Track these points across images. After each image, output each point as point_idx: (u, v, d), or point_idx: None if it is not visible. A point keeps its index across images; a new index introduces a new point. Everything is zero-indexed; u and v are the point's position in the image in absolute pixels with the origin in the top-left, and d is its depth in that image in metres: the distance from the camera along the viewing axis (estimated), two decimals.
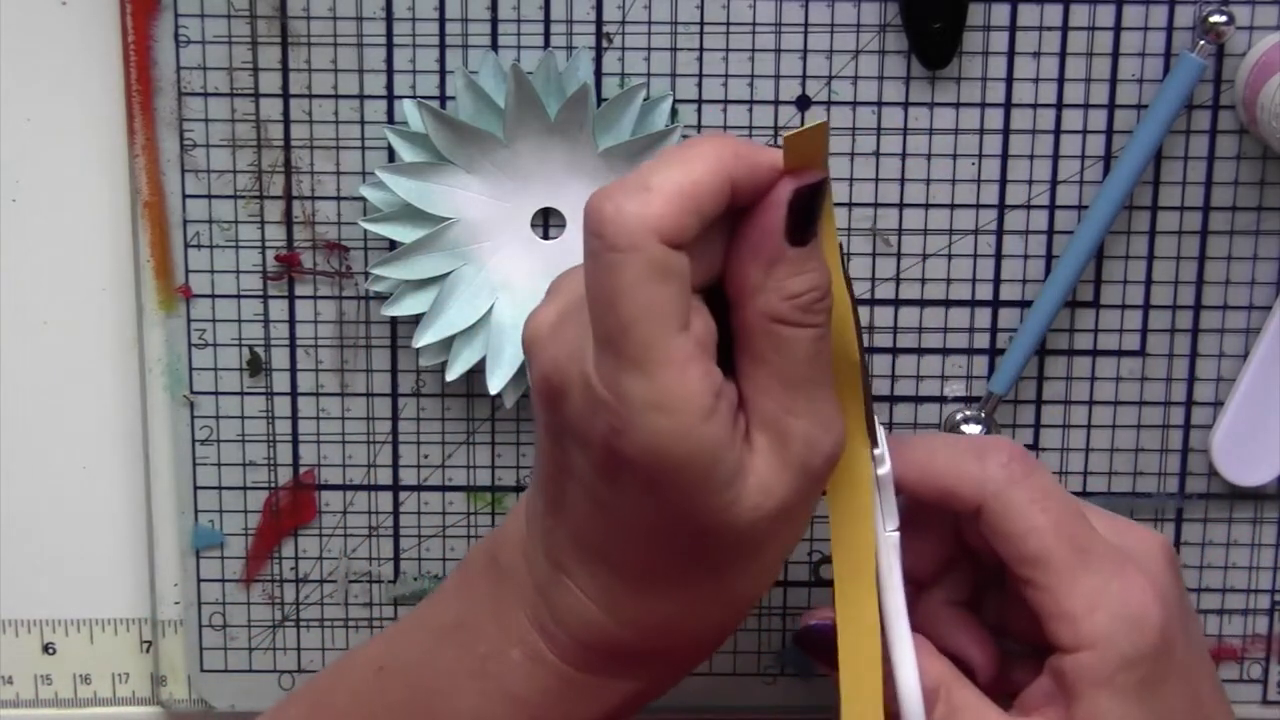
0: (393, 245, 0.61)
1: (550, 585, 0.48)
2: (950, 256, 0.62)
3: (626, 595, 0.47)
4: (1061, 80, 0.61)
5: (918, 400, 0.63)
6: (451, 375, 0.61)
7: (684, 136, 0.60)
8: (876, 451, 0.49)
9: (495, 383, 0.61)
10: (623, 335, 0.42)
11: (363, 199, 0.61)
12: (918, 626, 0.51)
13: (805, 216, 0.44)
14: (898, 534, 0.49)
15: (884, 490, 0.49)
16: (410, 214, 0.60)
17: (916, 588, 0.53)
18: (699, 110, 0.61)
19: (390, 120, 0.61)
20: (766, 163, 0.44)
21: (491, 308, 0.61)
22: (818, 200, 0.44)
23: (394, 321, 0.63)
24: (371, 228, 0.60)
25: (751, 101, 0.61)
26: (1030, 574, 0.49)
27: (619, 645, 0.48)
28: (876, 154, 0.61)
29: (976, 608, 0.54)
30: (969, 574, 0.53)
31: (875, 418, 0.49)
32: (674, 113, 0.60)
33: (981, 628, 0.53)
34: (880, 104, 0.61)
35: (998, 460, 0.49)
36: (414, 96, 0.60)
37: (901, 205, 0.62)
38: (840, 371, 0.47)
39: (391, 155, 0.61)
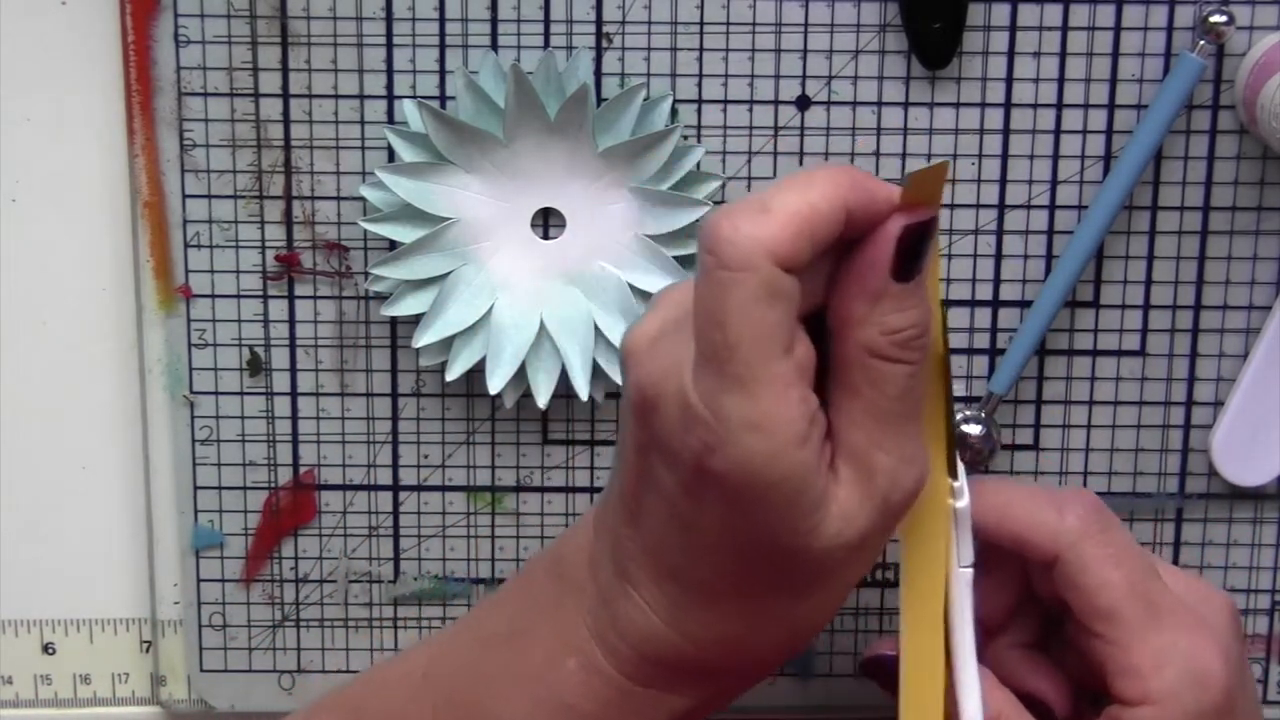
0: (393, 245, 0.61)
1: (615, 596, 0.48)
2: (950, 256, 0.62)
3: (693, 611, 0.47)
4: (1061, 80, 0.61)
5: None
6: (451, 375, 0.61)
7: (684, 137, 0.60)
8: (956, 484, 0.49)
9: (495, 383, 0.61)
10: (728, 354, 0.42)
11: (363, 199, 0.61)
12: (988, 668, 0.52)
13: (913, 253, 0.44)
14: (971, 570, 0.49)
15: (960, 525, 0.50)
16: (410, 214, 0.60)
17: (987, 632, 0.53)
18: (699, 110, 0.61)
19: (390, 120, 0.61)
20: (883, 196, 0.44)
21: (491, 308, 0.61)
22: (927, 238, 0.45)
23: (394, 321, 0.63)
24: (371, 228, 0.60)
25: (751, 101, 0.61)
26: (1100, 628, 0.49)
27: (679, 660, 0.48)
28: (876, 154, 0.61)
29: (1040, 651, 0.54)
30: (1035, 618, 0.54)
31: (957, 453, 0.49)
32: (674, 113, 0.60)
33: (1054, 668, 0.53)
34: (880, 104, 0.61)
35: (1076, 513, 0.50)
36: (414, 96, 0.60)
37: None
38: (926, 405, 0.47)
39: (391, 155, 0.61)
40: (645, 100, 0.59)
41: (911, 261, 0.44)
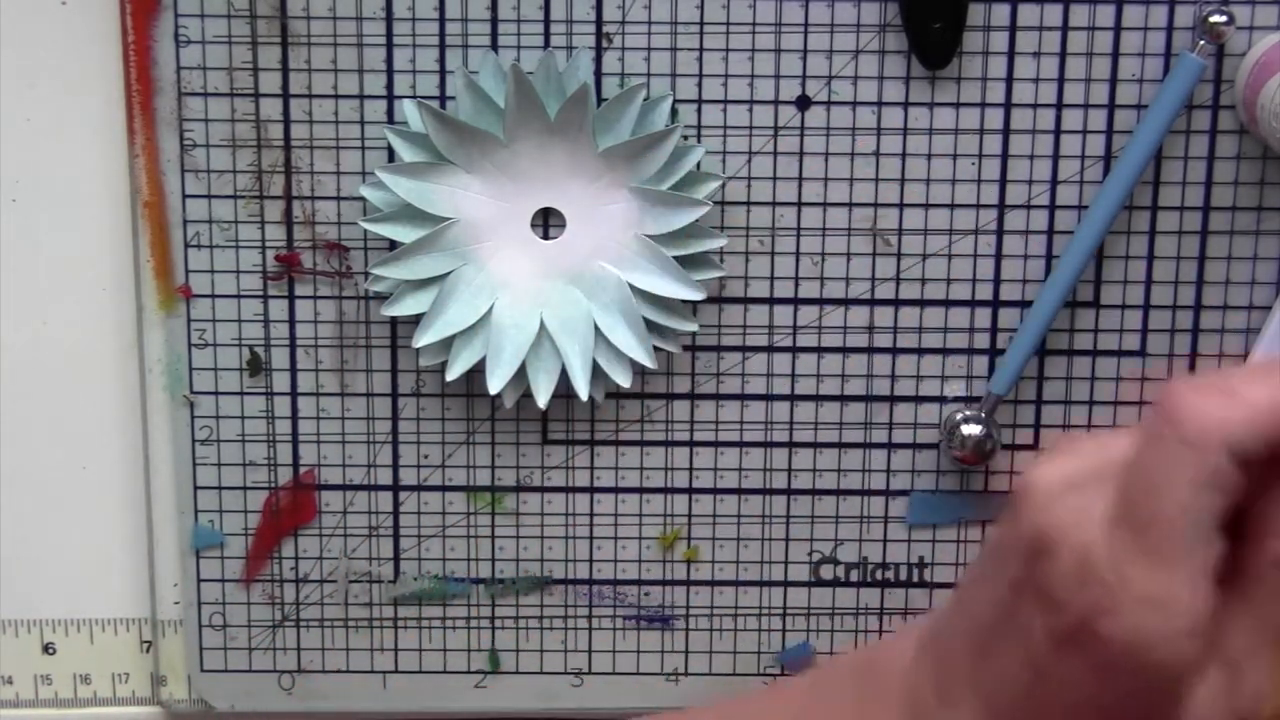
0: (393, 245, 0.61)
1: (929, 716, 0.48)
2: (950, 256, 0.62)
3: None
4: (1061, 80, 0.61)
5: (918, 400, 0.63)
6: (451, 375, 0.61)
7: (684, 137, 0.60)
8: None
9: (495, 383, 0.61)
10: (1154, 526, 0.42)
11: (363, 199, 0.61)
12: None
13: None
14: None
15: None
16: (410, 214, 0.60)
17: None
18: (699, 110, 0.61)
19: (390, 120, 0.61)
20: None
21: (491, 308, 0.61)
22: None
23: (394, 321, 0.63)
24: (371, 228, 0.60)
25: (751, 101, 0.61)
26: None
27: None
28: (876, 154, 0.61)
29: None
30: None
31: None
32: (674, 113, 0.60)
33: None
34: (880, 104, 0.61)
35: None
36: (414, 96, 0.60)
37: (901, 205, 0.62)
38: None
39: (391, 155, 0.61)
40: (645, 100, 0.59)
41: None
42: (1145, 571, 0.43)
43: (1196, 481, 0.42)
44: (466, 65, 0.60)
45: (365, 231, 0.61)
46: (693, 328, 0.62)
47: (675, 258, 0.60)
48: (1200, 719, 0.45)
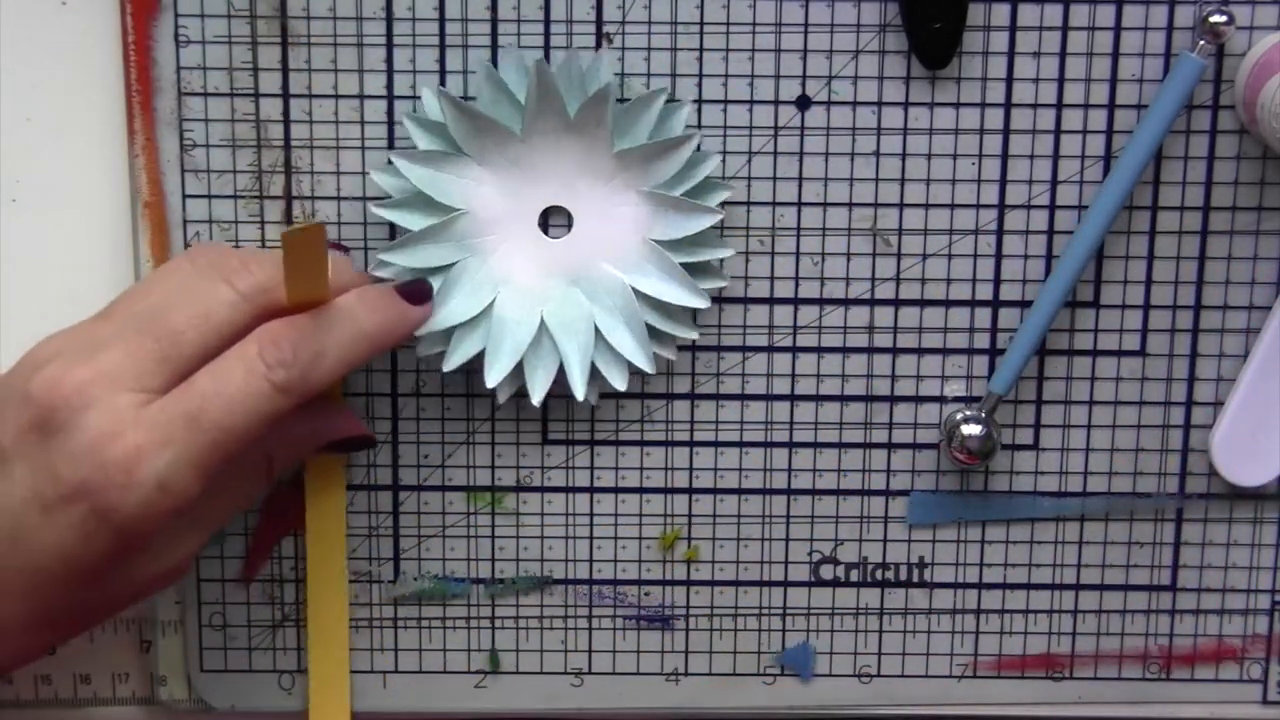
0: (393, 239, 0.61)
1: None
2: (950, 256, 0.62)
3: None
4: (1061, 80, 0.61)
5: (918, 400, 0.63)
6: (449, 366, 0.61)
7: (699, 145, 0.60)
8: None
9: (493, 376, 0.61)
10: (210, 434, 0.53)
11: (363, 199, 0.61)
12: None
13: None
14: None
15: None
16: (420, 202, 0.60)
17: None
18: (699, 110, 0.61)
19: (390, 120, 0.61)
20: None
21: (493, 301, 0.61)
22: None
23: None
24: (382, 213, 0.60)
25: (751, 101, 0.61)
26: None
27: None
28: (876, 154, 0.61)
29: None
30: None
31: None
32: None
33: None
34: (880, 104, 0.61)
35: None
36: (412, 97, 0.60)
37: (901, 205, 0.62)
38: None
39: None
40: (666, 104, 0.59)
41: None
42: (167, 465, 0.51)
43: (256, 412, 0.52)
44: (466, 65, 0.60)
45: (366, 232, 0.61)
46: (694, 335, 0.61)
47: (682, 264, 0.60)
48: None
